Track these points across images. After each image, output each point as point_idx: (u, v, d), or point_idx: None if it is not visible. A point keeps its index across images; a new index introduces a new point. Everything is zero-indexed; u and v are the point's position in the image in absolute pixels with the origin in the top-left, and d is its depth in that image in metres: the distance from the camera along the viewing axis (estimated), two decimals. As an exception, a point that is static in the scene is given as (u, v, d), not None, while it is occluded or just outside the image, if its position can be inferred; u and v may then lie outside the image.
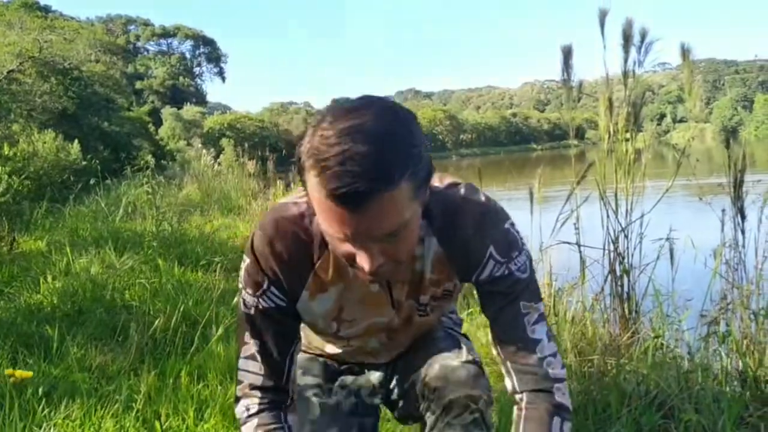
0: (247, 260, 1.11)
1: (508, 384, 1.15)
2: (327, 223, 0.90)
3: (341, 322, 1.19)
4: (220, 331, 2.68)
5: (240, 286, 1.14)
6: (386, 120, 0.87)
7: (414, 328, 1.25)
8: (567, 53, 2.49)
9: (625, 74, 2.50)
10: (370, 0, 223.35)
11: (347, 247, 0.93)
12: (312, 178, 0.87)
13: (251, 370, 1.15)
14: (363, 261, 0.93)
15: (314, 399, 1.34)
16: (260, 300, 1.12)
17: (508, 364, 1.13)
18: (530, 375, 1.11)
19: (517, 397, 1.14)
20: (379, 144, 0.84)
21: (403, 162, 0.86)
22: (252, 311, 1.13)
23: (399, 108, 0.91)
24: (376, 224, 0.87)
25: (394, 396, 1.36)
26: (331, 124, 0.85)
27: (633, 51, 2.46)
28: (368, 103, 0.89)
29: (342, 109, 0.88)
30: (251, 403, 1.15)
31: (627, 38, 2.45)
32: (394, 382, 1.36)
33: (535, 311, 1.11)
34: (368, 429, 1.37)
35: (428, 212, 1.04)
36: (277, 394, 1.16)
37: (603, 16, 2.43)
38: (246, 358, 1.15)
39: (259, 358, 1.14)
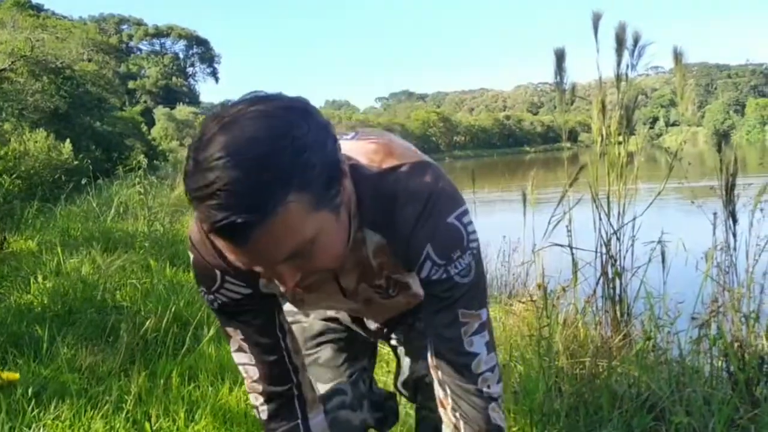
0: (191, 256, 1.02)
1: (438, 392, 1.06)
2: (224, 252, 0.81)
3: (296, 303, 1.15)
4: (212, 331, 2.67)
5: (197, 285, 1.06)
6: (263, 132, 0.74)
7: (387, 307, 1.16)
8: (560, 56, 2.50)
9: (618, 78, 2.51)
10: (364, 1, 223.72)
11: (257, 269, 0.84)
12: (193, 206, 0.77)
13: (244, 362, 1.10)
14: (278, 283, 0.85)
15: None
16: (218, 296, 1.03)
17: (440, 374, 1.04)
18: (464, 393, 1.02)
19: (448, 413, 1.06)
20: (254, 166, 0.73)
21: (286, 179, 0.74)
22: (215, 307, 1.05)
23: (282, 109, 0.78)
24: (270, 253, 0.78)
25: (394, 343, 1.34)
26: (204, 143, 0.75)
27: (626, 54, 2.48)
28: (245, 110, 0.77)
29: (216, 122, 0.76)
30: (258, 401, 1.11)
31: (620, 42, 2.46)
32: (393, 336, 1.34)
33: (475, 319, 0.99)
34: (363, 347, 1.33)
35: (360, 202, 0.93)
36: (280, 381, 1.10)
37: (596, 19, 2.44)
38: (235, 351, 1.10)
39: (246, 347, 1.08)
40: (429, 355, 1.05)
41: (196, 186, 0.74)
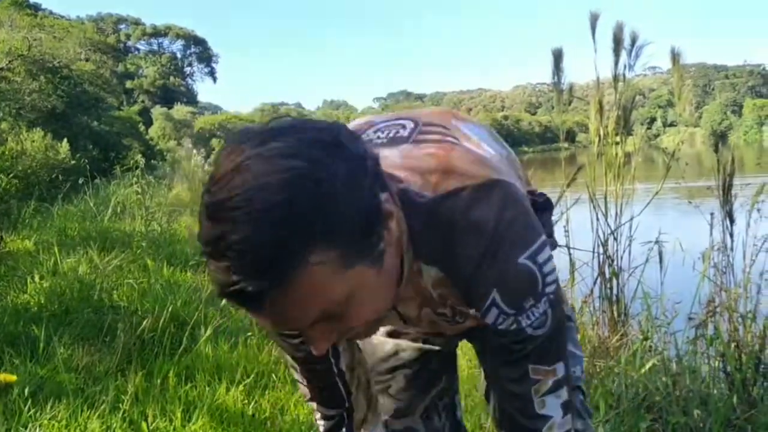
0: None
1: None
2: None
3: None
4: (209, 331, 2.66)
5: None
6: (282, 176, 0.61)
7: (455, 329, 0.99)
8: (557, 56, 2.50)
9: (616, 78, 2.51)
10: (363, 1, 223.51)
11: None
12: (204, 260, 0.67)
13: (298, 378, 1.07)
14: (310, 347, 0.74)
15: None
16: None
17: None
18: None
19: None
20: (268, 220, 0.60)
21: (308, 235, 0.61)
22: (265, 333, 1.04)
23: (307, 144, 0.65)
24: (292, 319, 0.67)
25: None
26: (216, 184, 0.63)
27: (623, 54, 2.48)
28: (264, 145, 0.64)
29: (231, 158, 0.64)
30: (316, 416, 1.10)
31: (618, 42, 2.46)
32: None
33: (549, 376, 0.83)
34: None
35: (412, 233, 0.78)
36: (332, 404, 1.07)
37: (594, 19, 2.44)
38: (290, 366, 1.08)
39: (297, 368, 1.05)
40: (491, 408, 0.91)
41: (206, 239, 0.63)
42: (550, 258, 0.80)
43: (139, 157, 9.44)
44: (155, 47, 66.42)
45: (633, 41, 2.47)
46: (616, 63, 2.49)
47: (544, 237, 0.80)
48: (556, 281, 0.81)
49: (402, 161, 0.81)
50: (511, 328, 0.80)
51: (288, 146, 0.64)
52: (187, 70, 67.67)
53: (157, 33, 66.14)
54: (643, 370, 2.06)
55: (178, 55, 67.18)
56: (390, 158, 0.79)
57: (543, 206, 0.95)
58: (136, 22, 66.00)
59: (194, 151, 16.65)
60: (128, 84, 51.47)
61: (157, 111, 42.39)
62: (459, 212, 0.77)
